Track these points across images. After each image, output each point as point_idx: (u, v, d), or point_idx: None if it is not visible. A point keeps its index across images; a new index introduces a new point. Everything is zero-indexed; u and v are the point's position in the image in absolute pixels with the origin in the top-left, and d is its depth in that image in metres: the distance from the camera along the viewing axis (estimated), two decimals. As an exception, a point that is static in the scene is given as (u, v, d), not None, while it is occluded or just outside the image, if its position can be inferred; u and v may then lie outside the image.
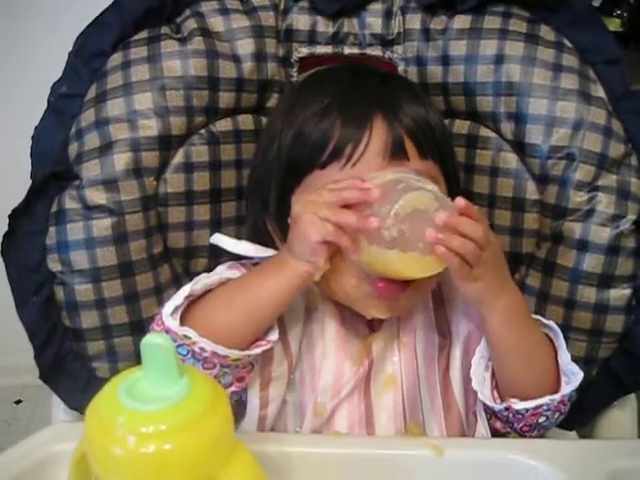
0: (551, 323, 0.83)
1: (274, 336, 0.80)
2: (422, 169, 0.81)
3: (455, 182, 0.88)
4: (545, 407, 0.80)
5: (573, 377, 0.81)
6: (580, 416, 0.93)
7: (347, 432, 0.83)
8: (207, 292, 0.80)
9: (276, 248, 0.87)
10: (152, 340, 0.59)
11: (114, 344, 0.90)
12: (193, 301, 0.79)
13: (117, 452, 0.57)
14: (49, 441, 0.76)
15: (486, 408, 0.85)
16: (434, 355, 0.87)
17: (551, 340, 0.83)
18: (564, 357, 0.81)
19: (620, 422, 0.97)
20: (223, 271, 0.84)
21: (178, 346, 0.75)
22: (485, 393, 0.82)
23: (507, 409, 0.81)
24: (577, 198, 0.90)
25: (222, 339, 0.76)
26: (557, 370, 0.82)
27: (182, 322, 0.76)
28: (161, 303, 0.91)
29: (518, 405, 0.80)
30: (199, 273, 0.93)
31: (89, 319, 0.89)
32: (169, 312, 0.76)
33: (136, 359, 0.85)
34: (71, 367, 0.91)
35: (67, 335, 0.90)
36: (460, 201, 0.74)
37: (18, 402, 2.15)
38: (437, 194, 0.75)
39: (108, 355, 0.91)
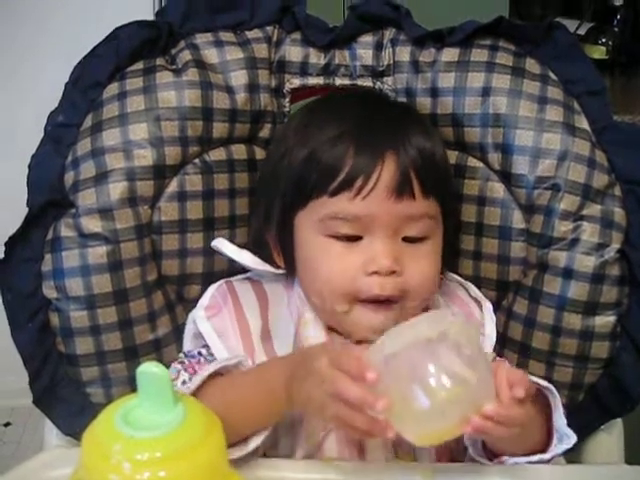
0: (550, 387, 0.83)
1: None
2: (426, 210, 0.84)
3: (453, 219, 0.91)
4: (535, 460, 0.80)
5: (567, 439, 0.81)
6: (567, 441, 0.95)
7: (338, 457, 0.83)
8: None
9: (274, 262, 0.90)
10: (147, 369, 0.61)
11: (108, 370, 0.91)
12: None
13: (113, 478, 0.58)
14: (44, 467, 0.76)
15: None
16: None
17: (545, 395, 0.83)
18: (559, 421, 0.81)
19: (607, 447, 0.98)
20: (202, 374, 0.80)
21: None
22: (477, 447, 0.82)
23: (499, 462, 0.81)
24: (562, 227, 0.91)
25: None
26: (548, 428, 0.82)
27: None
28: (154, 329, 0.92)
29: (510, 461, 0.80)
30: (192, 300, 0.95)
31: (84, 345, 0.90)
32: None
33: (130, 385, 0.87)
34: (65, 393, 0.91)
35: (61, 361, 0.91)
36: (519, 392, 0.70)
37: (7, 425, 2.14)
38: (472, 385, 0.69)
39: (102, 381, 0.91)
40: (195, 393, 0.78)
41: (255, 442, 0.78)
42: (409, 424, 0.69)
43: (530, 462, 0.80)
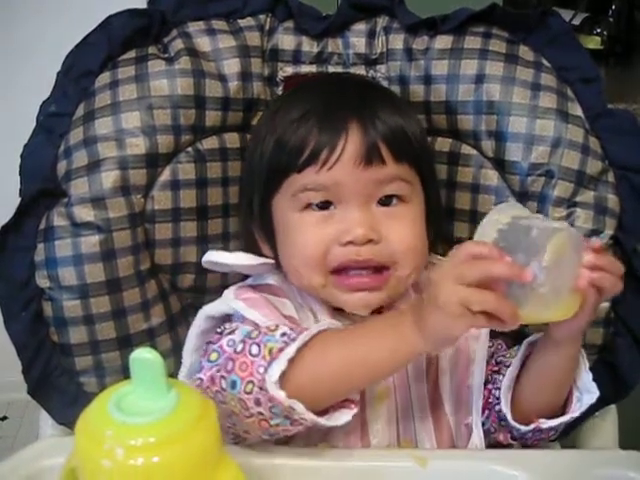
0: None
1: (358, 395, 0.78)
2: (398, 173, 0.83)
3: (433, 189, 0.90)
4: (566, 420, 0.83)
5: (588, 396, 0.82)
6: (562, 426, 0.95)
7: (343, 443, 0.83)
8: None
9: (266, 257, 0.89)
10: (141, 355, 0.60)
11: (102, 359, 0.91)
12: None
13: (106, 464, 0.58)
14: (39, 456, 0.76)
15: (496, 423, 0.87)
16: (422, 368, 0.88)
17: None
18: (585, 376, 0.82)
19: (601, 432, 0.98)
20: (317, 325, 0.77)
21: (272, 407, 0.72)
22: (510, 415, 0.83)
23: (532, 430, 0.83)
24: (556, 214, 0.91)
25: (318, 400, 0.74)
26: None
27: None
28: (148, 318, 0.92)
29: (545, 425, 0.82)
30: (186, 289, 0.95)
31: (77, 334, 0.90)
32: (273, 379, 0.71)
33: (123, 374, 0.87)
34: (59, 382, 0.91)
35: (55, 350, 0.91)
36: (594, 243, 0.74)
37: (4, 419, 2.15)
38: (570, 230, 0.73)
39: (96, 370, 0.91)
40: (300, 349, 0.73)
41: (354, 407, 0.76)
42: (534, 304, 0.70)
43: (561, 423, 0.82)
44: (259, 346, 0.74)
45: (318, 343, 0.75)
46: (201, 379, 0.77)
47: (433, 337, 0.71)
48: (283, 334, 0.75)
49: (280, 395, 0.71)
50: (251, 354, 0.74)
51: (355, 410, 0.76)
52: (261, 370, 0.72)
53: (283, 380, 0.72)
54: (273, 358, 0.72)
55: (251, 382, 0.72)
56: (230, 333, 0.79)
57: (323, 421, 0.73)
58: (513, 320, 0.69)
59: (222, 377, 0.75)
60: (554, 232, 0.71)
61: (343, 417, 0.75)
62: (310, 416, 0.72)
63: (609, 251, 0.91)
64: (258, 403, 0.72)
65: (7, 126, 1.66)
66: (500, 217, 0.75)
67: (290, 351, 0.72)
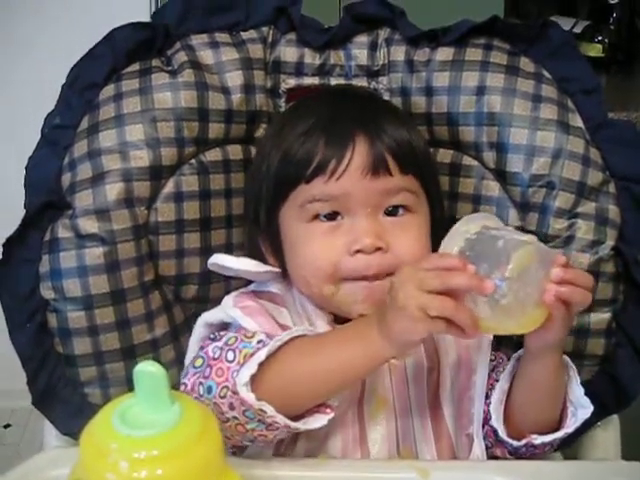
0: (566, 358, 0.84)
1: (336, 402, 0.78)
2: (404, 184, 0.84)
3: (437, 201, 0.91)
4: (561, 436, 0.82)
5: (582, 411, 0.82)
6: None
7: (341, 453, 0.83)
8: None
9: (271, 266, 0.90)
10: (144, 368, 0.61)
11: (106, 370, 0.91)
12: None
13: (110, 477, 0.58)
14: (44, 467, 0.77)
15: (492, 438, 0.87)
16: (423, 378, 0.88)
17: None
18: (577, 390, 0.82)
19: (603, 443, 0.98)
20: (290, 331, 0.78)
21: (245, 410, 0.74)
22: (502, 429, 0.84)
23: (524, 445, 0.83)
24: (557, 225, 0.92)
25: (290, 405, 0.75)
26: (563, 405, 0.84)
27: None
28: (152, 329, 0.93)
29: (537, 440, 0.82)
30: (189, 299, 0.96)
31: (81, 345, 0.90)
32: (243, 382, 0.73)
33: (127, 385, 0.87)
34: (63, 393, 0.92)
35: (59, 361, 0.91)
36: (561, 258, 0.74)
37: (7, 426, 2.14)
38: (537, 245, 0.74)
39: (100, 381, 0.92)
40: (273, 354, 0.75)
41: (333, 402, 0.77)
42: (495, 315, 0.71)
43: (555, 439, 0.82)
44: (234, 352, 0.76)
45: (292, 348, 0.76)
46: (185, 384, 0.79)
47: (396, 341, 0.73)
48: (259, 341, 0.77)
49: (250, 397, 0.72)
50: (227, 360, 0.76)
51: (331, 415, 0.77)
52: (234, 375, 0.74)
53: (255, 384, 0.73)
54: (245, 362, 0.74)
55: (225, 387, 0.74)
56: (218, 340, 0.80)
57: (296, 425, 0.75)
58: (472, 329, 0.71)
59: (200, 383, 0.77)
60: (521, 244, 0.72)
61: (318, 422, 0.76)
62: (281, 418, 0.73)
63: (610, 262, 0.92)
64: (232, 407, 0.74)
65: (6, 126, 1.67)
66: (470, 227, 0.76)
67: (261, 355, 0.74)
